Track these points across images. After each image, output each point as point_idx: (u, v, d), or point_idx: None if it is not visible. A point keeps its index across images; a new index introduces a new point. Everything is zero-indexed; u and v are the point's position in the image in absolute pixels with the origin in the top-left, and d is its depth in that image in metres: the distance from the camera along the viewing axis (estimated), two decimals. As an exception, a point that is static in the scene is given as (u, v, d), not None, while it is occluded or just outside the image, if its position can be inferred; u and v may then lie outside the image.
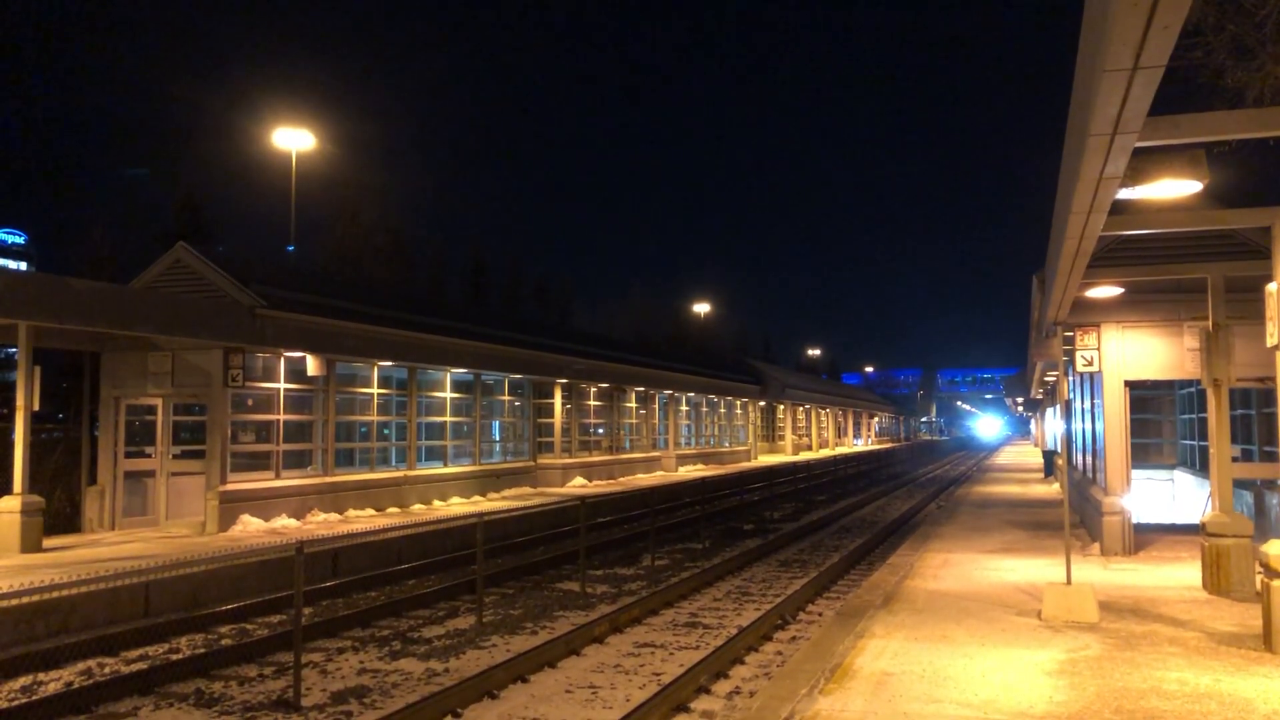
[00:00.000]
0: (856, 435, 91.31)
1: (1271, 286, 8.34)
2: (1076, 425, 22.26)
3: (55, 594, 10.73)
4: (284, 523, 18.89)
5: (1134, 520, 14.78)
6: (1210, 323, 11.47)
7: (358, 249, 44.18)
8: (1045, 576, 12.07)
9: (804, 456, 55.93)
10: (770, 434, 61.64)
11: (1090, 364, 14.33)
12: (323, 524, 19.37)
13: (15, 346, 16.27)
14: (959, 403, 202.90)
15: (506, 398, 29.43)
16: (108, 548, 16.01)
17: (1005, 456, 71.12)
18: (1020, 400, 65.78)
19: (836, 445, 77.16)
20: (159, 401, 18.93)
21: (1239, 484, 14.80)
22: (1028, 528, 18.69)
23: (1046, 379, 29.76)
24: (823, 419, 74.66)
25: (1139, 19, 4.39)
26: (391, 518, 20.47)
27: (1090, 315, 14.34)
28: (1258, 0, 9.15)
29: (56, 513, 19.12)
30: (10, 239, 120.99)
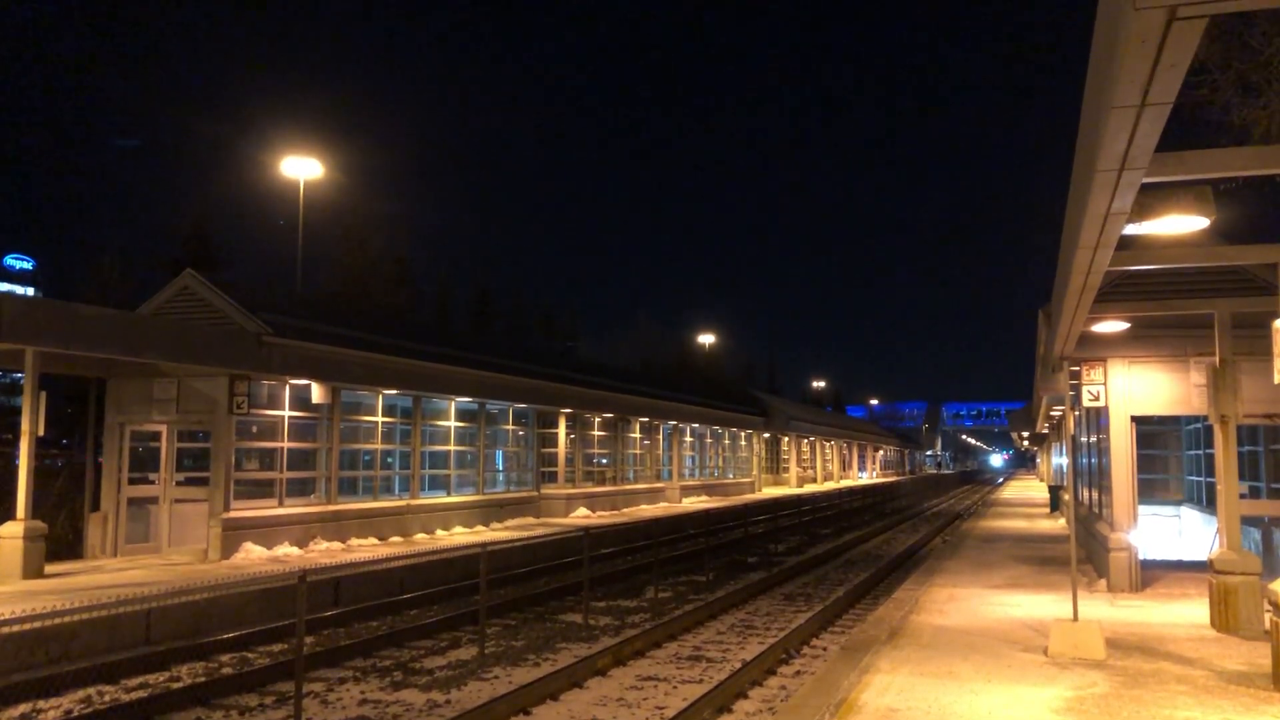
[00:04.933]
0: (861, 468, 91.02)
1: (1278, 323, 8.33)
2: (1082, 460, 22.19)
3: (56, 621, 10.72)
4: (287, 551, 18.82)
5: (1141, 557, 14.68)
6: (1217, 359, 11.45)
7: (364, 277, 44.34)
8: (1052, 613, 11.98)
9: (808, 489, 55.72)
10: (774, 466, 61.46)
11: (1096, 399, 14.30)
12: (325, 552, 19.30)
13: (22, 372, 16.29)
14: (964, 436, 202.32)
15: (510, 427, 29.40)
16: (109, 574, 15.95)
17: (1010, 491, 70.79)
18: (1026, 434, 65.60)
19: (841, 478, 76.90)
20: (163, 428, 18.92)
21: (1247, 521, 14.70)
22: (1034, 563, 18.57)
23: (1052, 413, 29.69)
24: (827, 451, 74.46)
25: (1147, 56, 4.42)
26: (394, 547, 20.39)
27: (1096, 350, 14.33)
28: (1264, 39, 9.23)
29: (59, 539, 19.08)
30: (19, 264, 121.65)
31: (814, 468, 69.35)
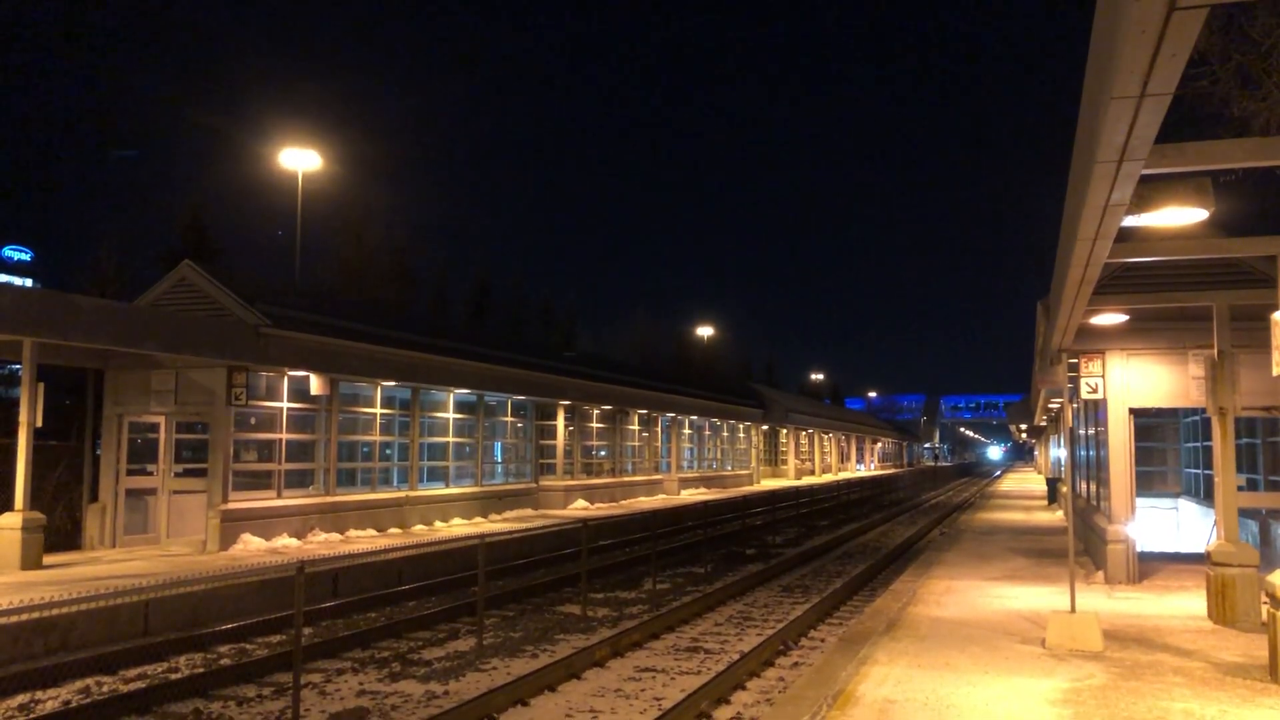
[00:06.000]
0: (859, 460, 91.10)
1: (1277, 315, 8.33)
2: (1080, 452, 22.20)
3: (54, 612, 10.71)
4: (285, 542, 18.84)
5: (1138, 549, 14.70)
6: (1215, 351, 11.45)
7: (362, 269, 44.20)
8: (1049, 604, 12.00)
9: (806, 481, 55.79)
10: (773, 458, 61.52)
11: (1095, 391, 14.30)
12: (324, 544, 19.32)
13: (20, 363, 16.28)
14: (962, 429, 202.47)
15: (509, 419, 29.39)
16: (108, 565, 15.96)
17: (1008, 483, 70.88)
18: (1024, 427, 65.67)
19: (839, 470, 76.97)
20: (162, 419, 18.92)
21: (1244, 513, 14.74)
22: (1031, 555, 18.60)
23: (1050, 406, 29.69)
24: (825, 444, 74.51)
25: (1146, 46, 4.40)
26: (393, 538, 20.40)
27: (1095, 342, 14.33)
28: (1264, 31, 9.21)
29: (57, 530, 19.06)
30: (16, 256, 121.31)
31: (812, 460, 69.42)
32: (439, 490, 24.94)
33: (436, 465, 25.30)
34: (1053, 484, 38.55)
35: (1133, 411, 14.81)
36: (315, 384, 20.12)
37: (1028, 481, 69.09)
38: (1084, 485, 21.56)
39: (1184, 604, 12.41)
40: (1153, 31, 4.26)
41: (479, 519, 25.72)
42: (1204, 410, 12.61)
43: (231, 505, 18.22)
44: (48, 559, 16.13)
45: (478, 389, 26.23)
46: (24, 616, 10.67)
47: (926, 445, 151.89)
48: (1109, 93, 4.94)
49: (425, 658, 11.96)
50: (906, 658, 9.36)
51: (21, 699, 9.91)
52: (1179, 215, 8.01)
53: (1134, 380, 14.64)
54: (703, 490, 43.05)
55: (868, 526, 33.24)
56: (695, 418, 44.87)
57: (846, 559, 23.60)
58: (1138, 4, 4.05)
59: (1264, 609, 8.90)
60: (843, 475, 69.66)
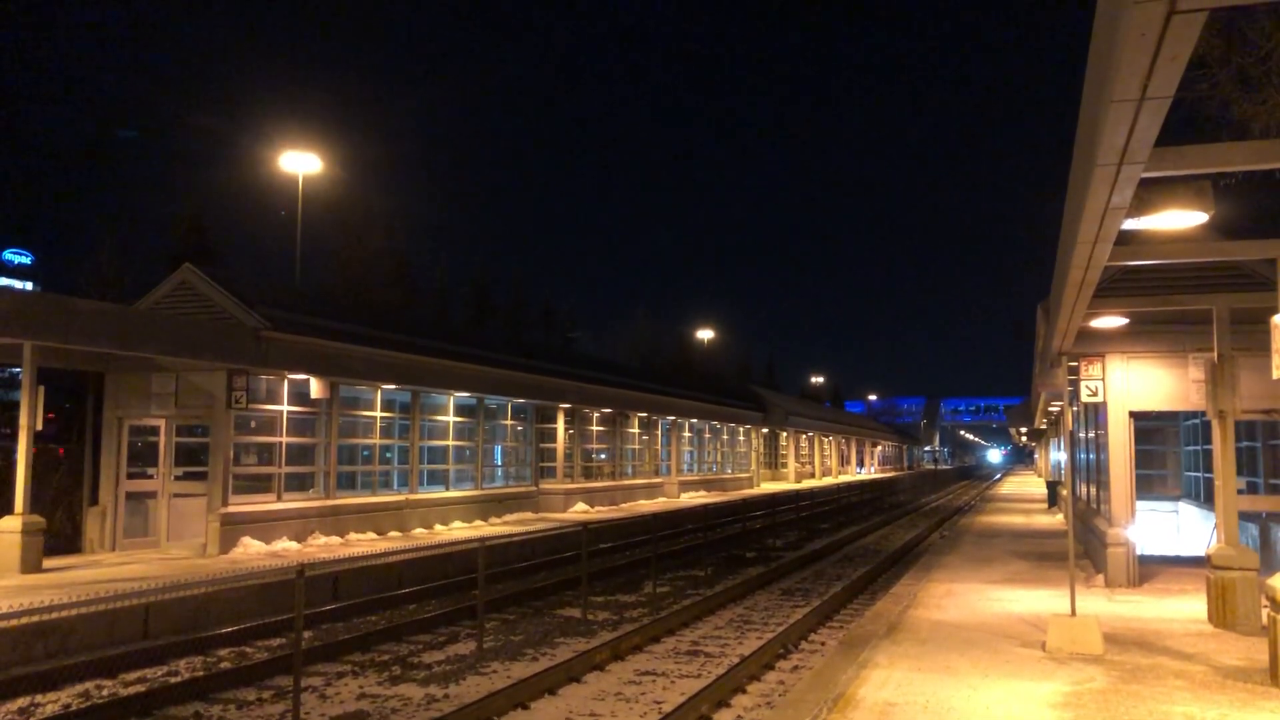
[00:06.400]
0: (859, 463, 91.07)
1: (1277, 318, 8.33)
2: (1080, 456, 22.20)
3: (54, 615, 10.70)
4: (285, 545, 18.82)
5: (1139, 552, 14.69)
6: (1215, 354, 11.45)
7: (363, 272, 44.18)
8: (1049, 608, 12.00)
9: (807, 484, 55.76)
10: (773, 461, 61.49)
11: (1095, 394, 14.29)
12: (324, 547, 19.31)
13: (20, 366, 16.27)
14: (962, 432, 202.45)
15: (509, 422, 29.39)
16: (108, 569, 15.95)
17: (1008, 486, 70.84)
18: (1024, 430, 65.67)
19: (839, 473, 76.93)
20: (162, 423, 18.91)
21: (1244, 516, 14.72)
22: (1031, 558, 18.59)
23: (1051, 409, 29.70)
24: (826, 447, 74.48)
25: (1146, 50, 4.41)
26: (393, 541, 20.38)
27: (1095, 345, 14.33)
28: (1264, 34, 9.22)
29: (57, 533, 19.05)
30: (17, 259, 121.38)
31: (812, 463, 69.38)
32: (439, 493, 24.93)
33: (436, 469, 25.29)
34: (1053, 487, 38.53)
35: (1133, 414, 14.81)
36: (315, 387, 20.11)
37: (1028, 485, 69.06)
38: (1084, 488, 21.56)
39: (1184, 607, 12.40)
40: (1152, 35, 4.27)
41: (479, 522, 25.71)
42: (1204, 413, 12.61)
43: (231, 508, 18.21)
44: (47, 562, 16.12)
45: (478, 392, 26.23)
46: (24, 620, 10.67)
47: (926, 448, 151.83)
48: (1109, 96, 4.94)
49: (425, 661, 11.96)
50: (907, 661, 9.36)
51: (21, 702, 9.90)
52: (1179, 218, 8.01)
53: (1134, 383, 14.64)
54: (703, 493, 43.03)
55: (868, 530, 33.23)
56: (695, 421, 44.85)
57: (847, 562, 23.59)
58: (1138, 7, 4.06)
59: (1264, 612, 8.90)
60: (843, 478, 69.63)
